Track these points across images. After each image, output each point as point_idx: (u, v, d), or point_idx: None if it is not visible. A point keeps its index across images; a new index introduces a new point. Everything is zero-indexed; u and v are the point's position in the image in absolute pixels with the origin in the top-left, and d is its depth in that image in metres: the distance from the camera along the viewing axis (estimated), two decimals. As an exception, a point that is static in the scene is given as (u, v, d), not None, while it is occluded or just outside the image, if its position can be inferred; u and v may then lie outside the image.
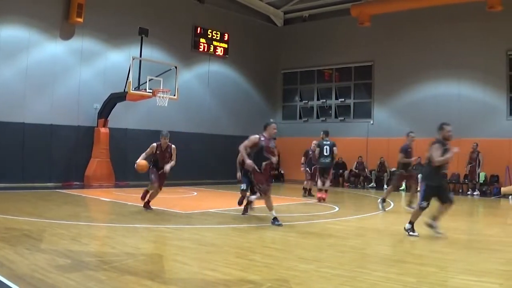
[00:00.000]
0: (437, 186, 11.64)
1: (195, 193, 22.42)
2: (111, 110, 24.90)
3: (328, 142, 20.29)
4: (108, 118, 24.99)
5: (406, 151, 17.55)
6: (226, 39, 32.06)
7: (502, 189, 25.32)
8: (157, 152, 14.94)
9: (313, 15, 35.73)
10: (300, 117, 35.44)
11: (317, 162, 20.58)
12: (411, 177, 17.76)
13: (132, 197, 18.64)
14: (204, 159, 29.43)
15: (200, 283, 7.21)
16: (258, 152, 13.14)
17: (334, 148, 20.29)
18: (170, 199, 19.00)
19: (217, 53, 31.68)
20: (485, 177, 27.09)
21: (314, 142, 21.64)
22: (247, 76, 34.11)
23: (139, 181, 23.97)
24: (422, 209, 11.67)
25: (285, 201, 19.43)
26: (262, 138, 13.15)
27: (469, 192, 26.44)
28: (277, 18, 36.41)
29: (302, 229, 11.82)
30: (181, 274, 7.66)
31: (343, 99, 33.81)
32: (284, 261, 8.63)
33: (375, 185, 29.73)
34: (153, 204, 15.40)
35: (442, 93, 29.22)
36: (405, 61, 30.53)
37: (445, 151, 11.40)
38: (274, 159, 13.73)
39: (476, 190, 26.26)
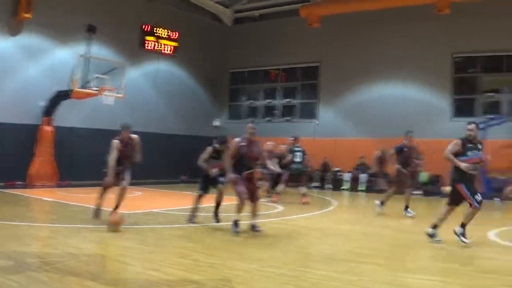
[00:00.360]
0: (471, 180, 10.99)
1: (140, 193, 22.28)
2: (56, 108, 24.61)
3: (300, 149, 20.43)
4: (53, 116, 24.67)
5: (401, 150, 16.73)
6: (174, 37, 31.82)
7: (444, 188, 25.73)
8: (122, 148, 12.68)
9: (262, 15, 35.76)
10: (246, 117, 35.47)
11: (287, 168, 20.62)
12: (400, 179, 16.84)
13: (75, 197, 18.57)
14: (150, 158, 28.85)
15: (143, 284, 7.25)
16: (240, 160, 11.70)
17: (305, 156, 20.56)
18: (113, 199, 18.89)
19: (165, 51, 31.49)
20: (427, 176, 27.56)
21: (269, 143, 21.68)
22: (195, 75, 33.98)
23: (82, 180, 23.83)
24: (480, 204, 10.83)
25: (229, 201, 19.47)
26: (243, 143, 11.68)
27: (415, 192, 26.81)
28: (226, 17, 36.33)
29: (246, 229, 11.90)
30: (124, 275, 7.70)
31: (289, 99, 34.02)
32: (228, 261, 8.72)
33: (318, 185, 29.96)
34: (94, 204, 15.34)
35: (388, 94, 29.63)
36: (352, 62, 30.82)
37: (468, 149, 10.92)
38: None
39: (418, 189, 26.65)
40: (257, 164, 12.27)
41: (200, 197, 13.34)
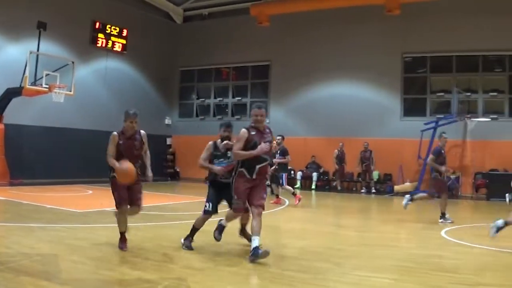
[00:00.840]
0: None
1: (90, 192, 22.12)
2: (6, 106, 24.22)
3: None
4: (3, 114, 24.29)
5: (440, 153, 15.79)
6: (124, 35, 31.67)
7: (395, 187, 26.23)
8: (120, 142, 9.69)
9: (212, 13, 35.90)
10: (197, 115, 35.50)
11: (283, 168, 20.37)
12: (443, 183, 15.89)
13: (27, 195, 18.31)
14: (100, 156, 28.59)
15: (96, 283, 7.23)
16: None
17: None
18: (65, 197, 18.77)
19: (115, 49, 31.31)
20: (378, 175, 27.97)
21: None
22: (145, 73, 33.92)
23: (33, 179, 23.51)
24: None
25: (181, 199, 19.49)
26: (253, 132, 9.25)
27: (362, 190, 27.15)
28: (176, 15, 36.33)
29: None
30: (77, 274, 7.63)
31: (239, 98, 34.18)
32: (181, 260, 8.75)
33: (269, 183, 30.08)
34: (47, 202, 15.22)
35: (338, 93, 29.91)
36: (302, 61, 31.10)
37: None
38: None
39: (372, 188, 27.01)
40: (269, 158, 9.66)
41: (206, 215, 10.03)
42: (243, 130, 9.24)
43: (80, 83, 26.18)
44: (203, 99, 35.65)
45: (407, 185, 26.29)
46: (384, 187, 27.87)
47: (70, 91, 24.28)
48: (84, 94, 27.77)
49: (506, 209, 15.45)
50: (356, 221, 15.92)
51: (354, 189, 28.76)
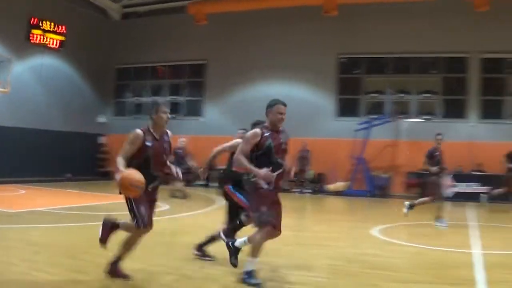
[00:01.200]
0: None
1: (23, 191, 21.75)
2: None
3: None
4: None
5: (432, 155, 15.25)
6: (61, 31, 30.99)
7: (328, 186, 26.50)
8: (147, 144, 7.49)
9: (150, 11, 35.61)
10: (132, 114, 35.20)
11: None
12: (437, 185, 15.08)
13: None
14: (34, 155, 28.24)
15: (28, 285, 7.11)
16: (262, 156, 7.65)
17: None
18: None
19: (51, 45, 30.65)
20: (313, 175, 28.14)
21: (183, 139, 21.31)
22: (81, 70, 33.29)
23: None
24: None
25: (115, 199, 19.27)
26: (267, 133, 7.74)
27: (297, 190, 27.30)
28: (114, 12, 35.93)
29: (132, 228, 11.79)
30: (8, 276, 7.52)
31: (175, 97, 34.08)
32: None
33: (205, 183, 29.82)
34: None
35: (274, 93, 29.63)
36: (239, 60, 31.17)
37: None
38: (289, 166, 8.87)
39: (307, 187, 27.20)
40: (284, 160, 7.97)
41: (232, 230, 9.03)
42: (256, 130, 7.79)
43: (15, 80, 25.79)
44: (138, 98, 35.36)
45: (340, 185, 26.61)
46: (318, 186, 28.08)
47: (5, 89, 23.90)
48: (19, 92, 27.24)
49: (436, 208, 15.72)
50: (291, 220, 15.97)
51: (287, 188, 28.89)
